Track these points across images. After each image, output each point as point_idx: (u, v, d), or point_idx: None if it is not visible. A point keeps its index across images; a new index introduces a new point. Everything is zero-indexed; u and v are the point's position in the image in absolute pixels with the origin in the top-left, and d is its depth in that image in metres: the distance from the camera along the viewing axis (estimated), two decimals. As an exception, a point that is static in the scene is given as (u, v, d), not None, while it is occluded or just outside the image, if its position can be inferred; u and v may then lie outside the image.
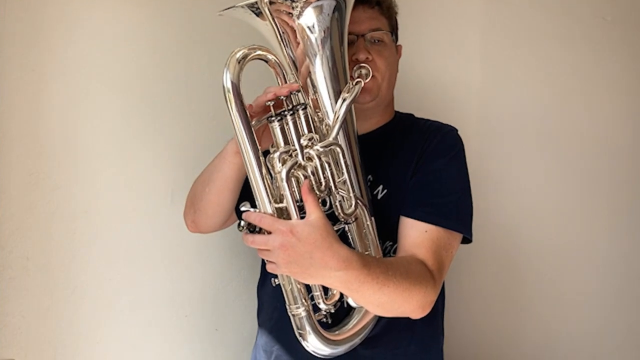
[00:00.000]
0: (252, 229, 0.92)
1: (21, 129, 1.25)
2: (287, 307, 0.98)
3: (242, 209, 0.94)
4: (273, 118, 0.94)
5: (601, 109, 1.84)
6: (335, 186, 0.96)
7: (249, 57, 0.92)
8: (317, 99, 1.01)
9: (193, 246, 1.43)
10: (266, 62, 0.97)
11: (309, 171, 0.93)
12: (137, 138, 1.37)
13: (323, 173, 0.94)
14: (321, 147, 0.93)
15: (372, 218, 1.06)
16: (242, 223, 0.92)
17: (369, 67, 1.09)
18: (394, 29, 1.21)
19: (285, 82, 0.99)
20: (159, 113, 1.39)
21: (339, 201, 0.98)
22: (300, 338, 0.99)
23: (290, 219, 0.90)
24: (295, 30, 0.98)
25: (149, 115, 1.38)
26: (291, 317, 0.98)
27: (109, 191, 1.34)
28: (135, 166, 1.37)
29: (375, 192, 1.13)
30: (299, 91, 0.97)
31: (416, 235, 1.05)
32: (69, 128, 1.30)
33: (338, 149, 0.95)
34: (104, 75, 1.33)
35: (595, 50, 1.82)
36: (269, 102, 0.94)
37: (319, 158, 0.93)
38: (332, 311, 1.01)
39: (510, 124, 1.74)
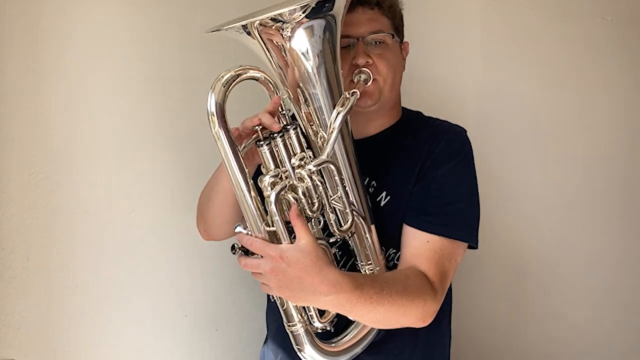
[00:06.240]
0: (246, 250, 0.91)
1: (21, 129, 1.24)
2: (285, 324, 0.97)
3: (237, 230, 0.93)
4: (261, 142, 0.92)
5: (601, 108, 1.84)
6: (329, 204, 0.95)
7: (236, 81, 0.90)
8: (310, 112, 0.99)
9: (193, 246, 1.43)
10: (257, 80, 0.94)
11: (300, 192, 0.92)
12: (137, 138, 1.37)
13: (315, 192, 0.93)
14: (314, 166, 0.91)
15: (373, 226, 1.04)
16: (236, 245, 0.92)
17: (369, 72, 1.06)
18: (397, 29, 1.16)
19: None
20: (159, 113, 1.39)
21: (334, 220, 0.97)
22: (298, 353, 0.98)
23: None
24: (286, 52, 0.95)
25: (149, 115, 1.38)
26: (289, 334, 0.98)
27: (109, 191, 1.34)
28: (135, 166, 1.37)
29: (378, 199, 1.11)
30: (289, 111, 0.95)
31: (418, 245, 1.03)
32: (69, 128, 1.29)
33: (332, 166, 0.93)
34: (104, 76, 1.33)
35: (595, 50, 1.82)
36: (256, 127, 0.93)
37: (311, 178, 0.92)
38: (328, 329, 1.01)
39: (510, 124, 1.74)
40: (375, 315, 0.93)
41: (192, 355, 1.44)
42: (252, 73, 0.92)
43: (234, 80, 0.90)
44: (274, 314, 1.20)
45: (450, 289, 1.15)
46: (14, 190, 1.24)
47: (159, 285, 1.40)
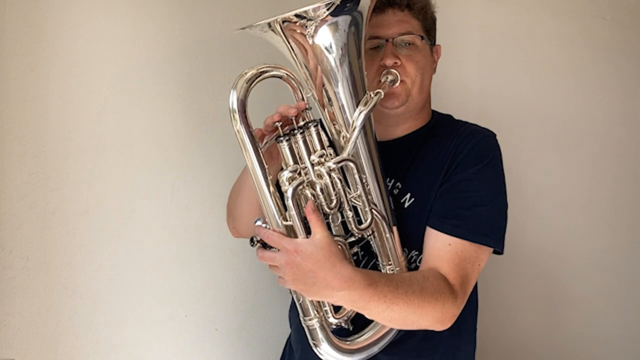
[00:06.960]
0: (265, 244, 0.93)
1: (21, 129, 1.24)
2: (301, 318, 0.98)
3: (257, 223, 0.94)
4: (281, 138, 0.93)
5: (601, 108, 1.84)
6: (347, 202, 0.95)
7: (258, 79, 0.90)
8: (333, 111, 0.99)
9: (193, 246, 1.43)
10: (280, 77, 0.94)
11: (318, 189, 0.93)
12: (137, 138, 1.37)
13: (334, 189, 0.93)
14: (333, 163, 0.92)
15: (395, 227, 1.04)
16: (255, 238, 0.94)
17: (396, 73, 1.07)
18: (428, 31, 1.15)
19: (302, 96, 0.97)
20: (160, 113, 1.39)
21: (352, 217, 0.97)
22: (314, 348, 0.99)
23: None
24: (310, 49, 0.96)
25: (149, 115, 1.38)
26: (305, 328, 0.98)
27: (109, 191, 1.34)
28: (135, 166, 1.37)
29: (402, 201, 1.11)
30: (309, 108, 0.95)
31: (439, 247, 1.03)
32: (69, 128, 1.29)
33: (351, 164, 0.93)
34: (104, 75, 1.32)
35: (595, 50, 1.82)
36: (277, 123, 0.93)
37: (329, 175, 0.92)
38: (343, 325, 1.01)
39: (509, 123, 1.74)
40: (390, 314, 0.94)
41: (192, 355, 1.44)
42: (275, 71, 0.93)
43: (256, 78, 0.90)
44: (296, 309, 1.22)
45: (476, 296, 1.15)
46: (14, 190, 1.24)
47: (158, 285, 1.40)
